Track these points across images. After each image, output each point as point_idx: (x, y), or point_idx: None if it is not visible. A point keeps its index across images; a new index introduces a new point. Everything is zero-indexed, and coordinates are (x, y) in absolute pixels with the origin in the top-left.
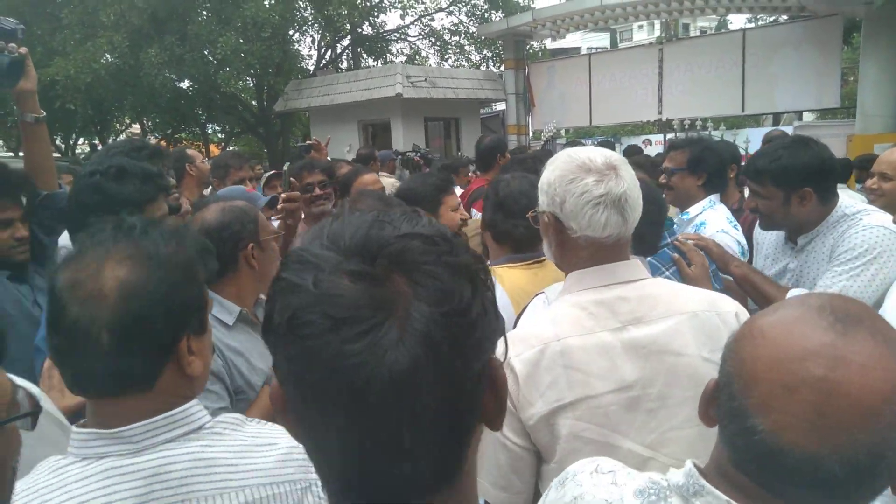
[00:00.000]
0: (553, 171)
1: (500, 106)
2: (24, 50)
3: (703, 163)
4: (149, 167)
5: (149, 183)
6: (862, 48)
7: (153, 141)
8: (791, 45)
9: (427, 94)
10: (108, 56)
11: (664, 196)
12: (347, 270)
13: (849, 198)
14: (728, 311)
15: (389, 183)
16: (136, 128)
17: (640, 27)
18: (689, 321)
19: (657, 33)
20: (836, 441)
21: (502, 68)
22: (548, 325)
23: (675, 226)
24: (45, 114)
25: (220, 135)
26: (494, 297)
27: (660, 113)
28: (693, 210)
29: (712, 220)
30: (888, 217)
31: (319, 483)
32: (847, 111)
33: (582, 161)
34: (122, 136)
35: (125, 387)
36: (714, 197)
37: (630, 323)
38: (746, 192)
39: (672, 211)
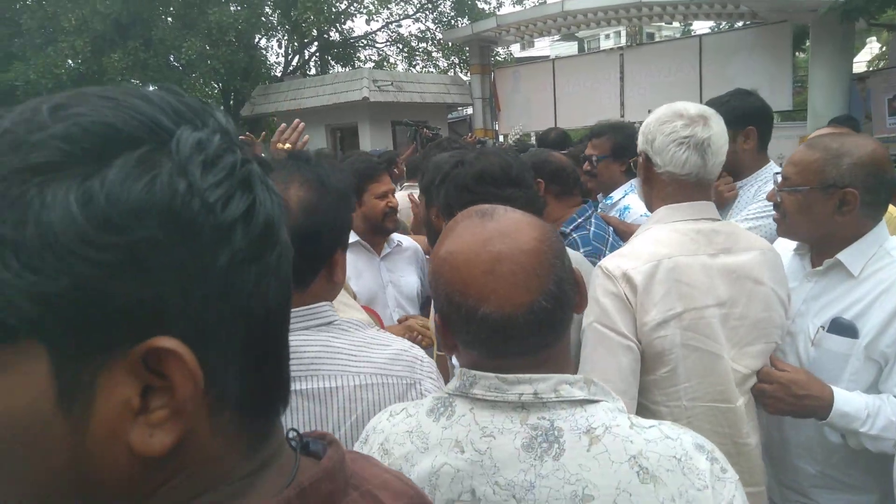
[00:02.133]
0: (652, 115)
1: (469, 110)
2: None
3: (626, 150)
4: None
5: None
6: (811, 53)
7: None
8: (745, 51)
9: (394, 97)
10: (70, 61)
11: (587, 183)
12: None
13: None
14: (778, 252)
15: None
16: None
17: (607, 37)
18: (761, 256)
19: (623, 42)
20: (536, 285)
21: (469, 74)
22: (657, 245)
23: (598, 207)
24: None
25: None
26: None
27: (622, 115)
28: (616, 194)
29: (635, 203)
30: None
31: (423, 382)
32: (805, 113)
33: (677, 109)
34: None
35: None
36: (634, 181)
37: (721, 251)
38: None
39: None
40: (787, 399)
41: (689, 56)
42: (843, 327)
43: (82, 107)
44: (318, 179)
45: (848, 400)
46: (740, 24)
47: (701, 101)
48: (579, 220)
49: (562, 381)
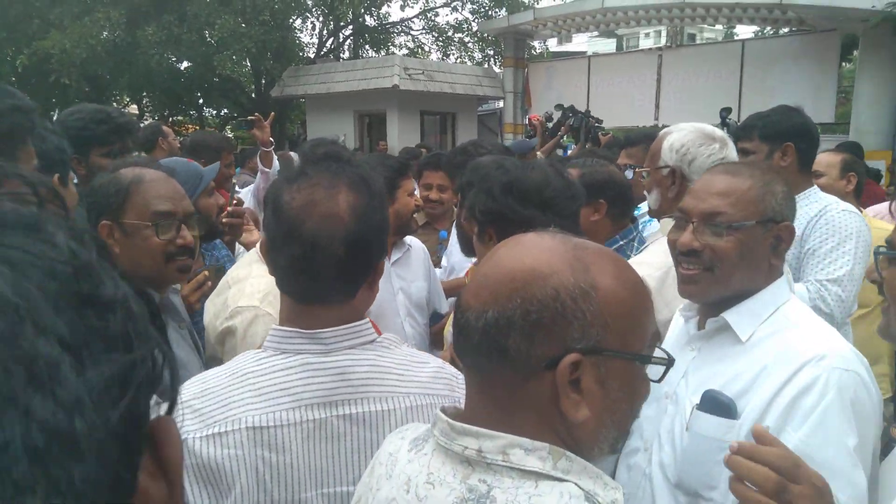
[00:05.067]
0: (686, 135)
1: (500, 104)
2: None
3: None
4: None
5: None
6: (858, 65)
7: (149, 121)
8: (789, 58)
9: (424, 87)
10: (105, 33)
11: None
12: None
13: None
14: None
15: None
16: (133, 108)
17: (647, 35)
18: None
19: (663, 42)
20: (495, 298)
21: (502, 67)
22: (667, 256)
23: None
24: None
25: (216, 118)
26: None
27: (656, 119)
28: (644, 205)
29: None
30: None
31: (461, 400)
32: (847, 126)
33: (706, 132)
34: None
35: (337, 296)
36: None
37: None
38: None
39: None
40: None
41: (731, 61)
42: (718, 405)
43: None
44: (363, 182)
45: None
46: (786, 30)
47: (739, 109)
48: (621, 243)
49: (515, 443)
